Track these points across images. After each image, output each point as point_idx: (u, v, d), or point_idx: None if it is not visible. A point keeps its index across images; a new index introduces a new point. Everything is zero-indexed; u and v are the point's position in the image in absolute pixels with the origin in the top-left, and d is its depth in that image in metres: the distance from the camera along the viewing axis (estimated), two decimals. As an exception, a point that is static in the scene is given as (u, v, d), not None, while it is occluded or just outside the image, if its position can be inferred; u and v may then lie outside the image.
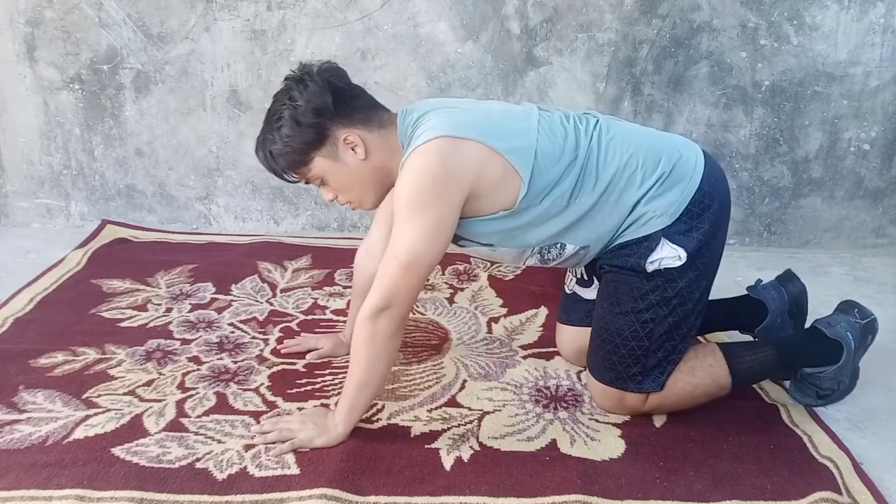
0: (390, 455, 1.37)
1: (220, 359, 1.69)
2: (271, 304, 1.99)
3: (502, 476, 1.33)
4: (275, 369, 1.66)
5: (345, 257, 2.32)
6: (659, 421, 1.52)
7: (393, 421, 1.48)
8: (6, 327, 1.78)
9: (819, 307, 2.16)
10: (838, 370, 1.54)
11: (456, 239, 1.43)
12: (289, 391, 1.57)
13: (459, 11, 2.39)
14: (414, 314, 1.96)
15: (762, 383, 1.68)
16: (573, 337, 1.67)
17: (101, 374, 1.61)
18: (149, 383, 1.58)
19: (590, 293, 1.60)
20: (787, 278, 1.76)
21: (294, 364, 1.68)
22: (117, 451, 1.34)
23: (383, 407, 1.52)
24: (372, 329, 1.31)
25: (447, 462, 1.36)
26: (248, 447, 1.37)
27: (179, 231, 2.55)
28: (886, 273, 2.42)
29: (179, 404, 1.50)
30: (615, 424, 1.50)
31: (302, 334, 1.79)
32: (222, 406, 1.51)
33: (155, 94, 2.45)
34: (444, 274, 2.23)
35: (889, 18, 2.38)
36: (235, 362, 1.68)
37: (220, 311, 1.93)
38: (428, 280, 2.17)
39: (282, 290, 2.08)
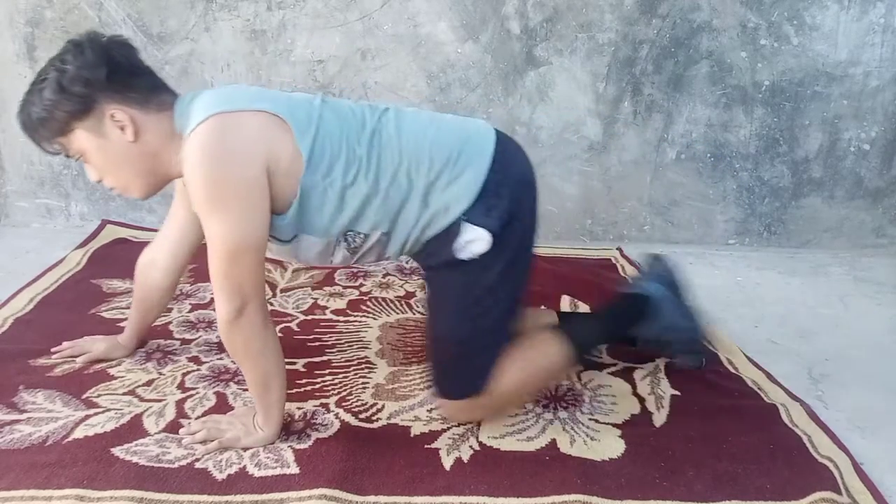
0: (390, 455, 1.37)
1: (220, 359, 1.69)
2: (271, 304, 1.99)
3: (502, 476, 1.33)
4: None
5: (345, 257, 2.32)
6: (659, 421, 1.52)
7: (393, 421, 1.48)
8: (6, 327, 1.78)
9: (819, 307, 2.17)
10: (666, 322, 1.59)
11: None
12: (288, 391, 1.56)
13: (459, 11, 2.39)
14: (414, 314, 1.97)
15: (761, 384, 1.68)
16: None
17: (101, 373, 1.61)
18: (149, 383, 1.58)
19: None
20: (653, 260, 1.75)
21: (294, 364, 1.68)
22: (117, 450, 1.34)
23: (383, 407, 1.52)
24: (239, 333, 1.27)
25: (447, 462, 1.36)
26: (247, 447, 1.37)
27: (179, 231, 2.54)
28: (886, 273, 2.42)
29: (179, 404, 1.50)
30: (615, 425, 1.50)
31: (84, 337, 1.70)
32: (222, 406, 1.51)
33: (155, 94, 2.44)
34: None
35: (889, 18, 2.38)
36: (235, 362, 1.68)
37: None
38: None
39: (281, 290, 2.08)
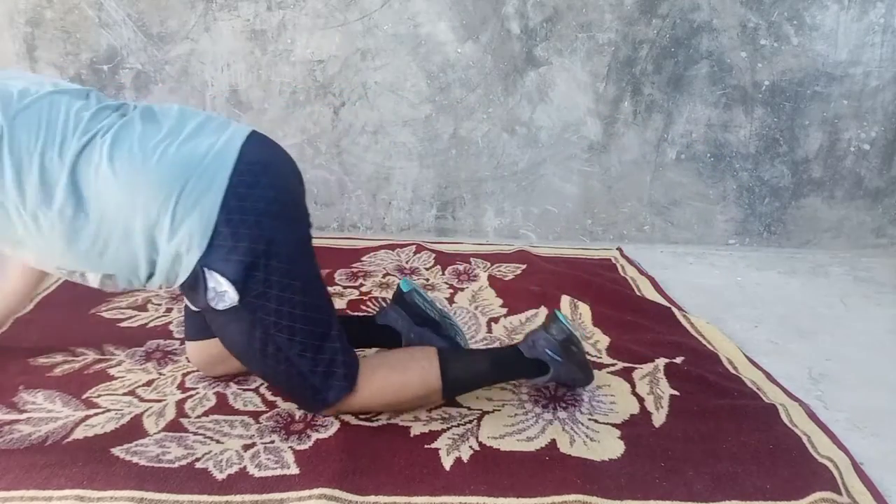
0: (390, 455, 1.37)
1: (220, 359, 1.69)
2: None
3: (502, 476, 1.33)
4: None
5: (345, 257, 2.32)
6: (658, 421, 1.52)
7: (392, 421, 1.48)
8: (6, 327, 1.78)
9: (819, 307, 2.17)
10: (554, 377, 1.54)
11: None
12: (288, 391, 1.57)
13: (459, 11, 2.39)
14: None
15: (760, 384, 1.68)
16: (195, 351, 1.57)
17: (101, 373, 1.61)
18: (149, 383, 1.58)
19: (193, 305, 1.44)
20: (398, 296, 1.68)
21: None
22: (117, 451, 1.34)
23: (383, 407, 1.52)
24: None
25: (447, 462, 1.36)
26: (247, 447, 1.37)
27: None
28: (886, 273, 2.42)
29: (179, 404, 1.50)
30: (614, 425, 1.50)
31: None
32: (222, 406, 1.51)
33: (155, 94, 2.44)
34: (444, 274, 2.23)
35: (889, 18, 2.38)
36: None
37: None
38: (427, 280, 2.17)
39: (282, 290, 2.08)
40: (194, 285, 1.27)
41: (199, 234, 1.23)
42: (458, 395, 1.54)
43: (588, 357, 1.63)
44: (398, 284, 1.70)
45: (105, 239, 1.23)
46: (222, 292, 1.27)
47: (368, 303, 2.02)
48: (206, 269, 1.25)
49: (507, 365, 1.55)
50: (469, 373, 1.51)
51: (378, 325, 1.65)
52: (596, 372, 1.69)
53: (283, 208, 1.31)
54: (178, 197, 1.21)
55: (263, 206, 1.27)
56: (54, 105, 1.23)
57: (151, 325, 1.85)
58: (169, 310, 1.93)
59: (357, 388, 1.41)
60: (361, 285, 2.13)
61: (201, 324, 1.46)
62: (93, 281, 1.29)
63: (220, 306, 1.28)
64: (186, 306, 1.52)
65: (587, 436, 1.46)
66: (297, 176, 1.40)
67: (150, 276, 1.28)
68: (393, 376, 1.44)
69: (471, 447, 1.40)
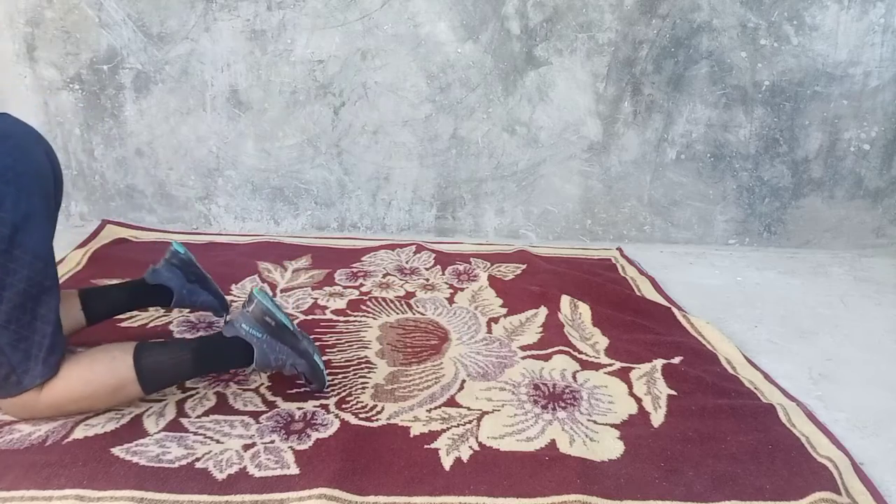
0: (390, 455, 1.37)
1: (220, 359, 1.69)
2: (271, 304, 1.99)
3: (501, 476, 1.33)
4: (274, 369, 1.66)
5: (345, 257, 2.32)
6: (657, 421, 1.52)
7: (392, 421, 1.48)
8: (6, 327, 1.78)
9: (819, 307, 2.17)
10: (261, 357, 1.46)
11: None
12: (288, 391, 1.57)
13: (459, 11, 2.39)
14: (414, 314, 1.97)
15: (757, 384, 1.68)
16: None
17: (101, 374, 1.61)
18: (149, 383, 1.58)
19: None
20: (171, 256, 1.73)
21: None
22: (117, 450, 1.34)
23: (383, 408, 1.52)
24: None
25: (446, 462, 1.36)
26: (247, 447, 1.37)
27: (179, 231, 2.55)
28: (886, 273, 2.42)
29: (179, 404, 1.50)
30: (613, 425, 1.50)
31: None
32: (222, 406, 1.51)
33: (155, 94, 2.45)
34: (444, 274, 2.23)
35: (889, 18, 2.38)
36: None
37: None
38: (428, 280, 2.18)
39: (282, 290, 2.08)
40: None
41: None
42: (161, 386, 1.47)
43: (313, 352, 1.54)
44: (171, 244, 1.76)
45: None
46: None
47: (369, 303, 2.02)
48: None
49: (210, 350, 1.48)
50: (169, 363, 1.43)
51: (150, 284, 1.70)
52: (594, 372, 1.70)
53: (18, 176, 1.29)
54: None
55: None
56: None
57: (151, 325, 1.85)
58: (169, 310, 1.93)
59: (39, 390, 1.35)
60: (361, 285, 2.13)
61: None
62: None
63: None
64: None
65: (587, 436, 1.46)
66: (45, 158, 1.38)
67: None
68: (78, 372, 1.37)
69: (470, 447, 1.40)
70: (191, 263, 1.76)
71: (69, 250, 2.29)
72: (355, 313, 1.96)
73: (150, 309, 1.93)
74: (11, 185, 1.28)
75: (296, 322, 1.90)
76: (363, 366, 1.69)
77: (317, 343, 1.79)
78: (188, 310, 1.88)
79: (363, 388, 1.60)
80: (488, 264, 2.30)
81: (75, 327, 1.61)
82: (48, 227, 1.38)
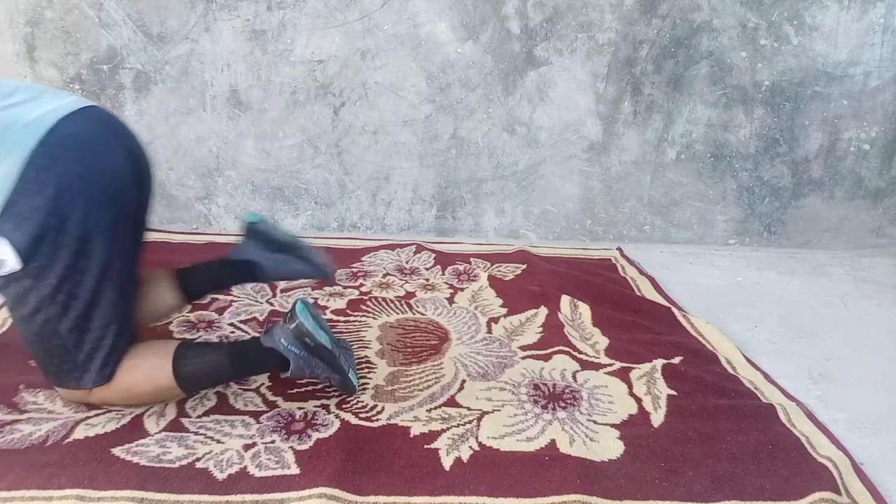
0: (390, 455, 1.37)
1: (221, 359, 1.69)
2: (271, 304, 1.99)
3: (501, 476, 1.33)
4: (275, 369, 1.66)
5: (345, 257, 2.32)
6: (657, 421, 1.52)
7: (392, 421, 1.48)
8: (6, 327, 1.78)
9: (819, 307, 2.17)
10: (297, 371, 1.47)
11: None
12: (289, 391, 1.57)
13: (459, 11, 2.39)
14: (414, 314, 1.97)
15: (758, 384, 1.68)
16: None
17: (102, 374, 1.61)
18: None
19: None
20: (248, 230, 1.68)
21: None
22: (117, 451, 1.34)
23: (383, 408, 1.52)
24: None
25: (446, 462, 1.36)
26: (247, 447, 1.37)
27: (179, 231, 2.55)
28: (886, 273, 2.42)
29: (180, 404, 1.50)
30: (613, 425, 1.50)
31: None
32: (223, 406, 1.51)
33: (155, 94, 2.45)
34: (444, 274, 2.23)
35: (889, 18, 2.38)
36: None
37: (220, 311, 1.93)
38: (428, 280, 2.18)
39: (282, 291, 2.08)
40: None
41: None
42: (199, 389, 1.51)
43: (345, 362, 1.54)
44: (245, 217, 1.70)
45: None
46: (3, 258, 1.26)
47: (369, 303, 2.02)
48: None
49: (245, 356, 1.50)
50: (205, 369, 1.45)
51: (236, 261, 1.67)
52: (593, 372, 1.70)
53: (88, 187, 1.29)
54: None
55: (65, 182, 1.26)
56: None
57: (151, 325, 1.84)
58: (169, 310, 1.93)
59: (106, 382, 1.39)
60: (361, 285, 2.13)
61: None
62: None
63: (1, 272, 1.27)
64: None
65: (587, 436, 1.46)
66: (124, 159, 1.37)
67: None
68: (122, 376, 1.40)
69: (470, 447, 1.40)
70: (267, 232, 1.66)
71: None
72: (355, 313, 1.96)
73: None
74: (81, 198, 1.28)
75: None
76: (363, 366, 1.69)
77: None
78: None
79: (364, 388, 1.60)
80: (488, 264, 2.31)
81: (172, 308, 1.63)
82: (123, 234, 1.38)
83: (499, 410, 1.53)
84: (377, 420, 1.48)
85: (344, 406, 1.52)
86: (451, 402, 1.55)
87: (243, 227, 1.69)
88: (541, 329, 1.90)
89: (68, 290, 1.31)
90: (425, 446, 1.40)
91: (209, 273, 1.66)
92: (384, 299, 2.05)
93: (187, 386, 1.46)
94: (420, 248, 2.41)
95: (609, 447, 1.43)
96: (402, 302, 2.04)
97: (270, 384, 1.60)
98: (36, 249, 1.26)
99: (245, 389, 1.57)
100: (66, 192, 1.26)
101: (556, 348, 1.80)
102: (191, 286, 1.63)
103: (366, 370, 1.67)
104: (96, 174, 1.31)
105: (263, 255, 1.65)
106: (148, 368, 1.42)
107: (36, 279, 1.29)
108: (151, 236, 2.44)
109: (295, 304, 1.50)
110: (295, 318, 1.47)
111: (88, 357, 1.37)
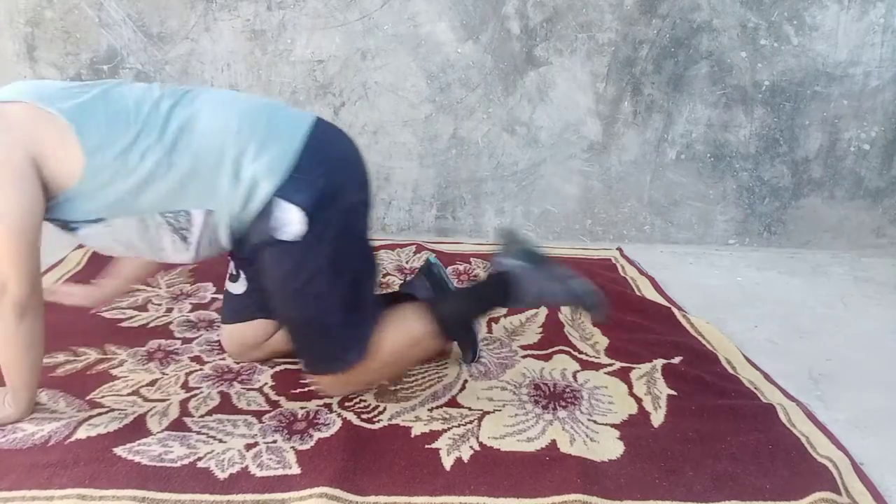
0: (390, 455, 1.37)
1: (223, 358, 1.70)
2: (272, 304, 1.99)
3: (502, 476, 1.33)
4: (278, 369, 1.66)
5: (345, 257, 2.32)
6: (657, 421, 1.52)
7: (394, 421, 1.48)
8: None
9: (819, 307, 2.17)
10: (533, 290, 1.53)
11: (66, 226, 1.36)
12: (292, 391, 1.57)
13: (459, 11, 2.39)
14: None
15: (758, 384, 1.68)
16: (231, 335, 1.65)
17: (104, 374, 1.61)
18: (152, 383, 1.58)
19: (237, 287, 1.59)
20: (426, 269, 1.74)
21: (297, 364, 1.68)
22: (119, 450, 1.34)
23: (385, 408, 1.52)
24: None
25: (447, 462, 1.36)
26: (249, 447, 1.38)
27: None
28: (886, 273, 2.42)
29: (183, 404, 1.50)
30: (613, 425, 1.50)
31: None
32: (226, 405, 1.51)
33: (155, 94, 2.45)
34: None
35: (889, 18, 2.39)
36: (238, 362, 1.68)
37: (220, 311, 1.93)
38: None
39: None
40: (262, 215, 1.32)
41: (280, 161, 1.31)
42: (452, 333, 1.59)
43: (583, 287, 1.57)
44: (427, 258, 1.76)
45: (199, 168, 1.30)
46: (288, 222, 1.32)
47: (369, 303, 2.02)
48: (278, 199, 1.31)
49: (484, 290, 1.59)
50: (453, 308, 1.54)
51: (401, 294, 1.71)
52: (593, 372, 1.70)
53: (352, 167, 1.44)
54: (266, 125, 1.34)
55: (340, 156, 1.42)
56: (120, 88, 1.36)
57: (152, 325, 1.85)
58: (169, 310, 1.94)
59: (367, 356, 1.43)
60: (362, 285, 2.13)
61: (239, 306, 1.60)
62: (197, 221, 1.34)
63: (282, 236, 1.33)
64: (226, 290, 1.63)
65: (587, 435, 1.46)
66: (356, 153, 1.48)
67: (228, 212, 1.33)
68: (390, 336, 1.44)
69: (471, 447, 1.41)
70: (440, 279, 1.72)
71: (69, 250, 2.29)
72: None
73: (150, 308, 1.94)
74: (349, 173, 1.43)
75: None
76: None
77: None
78: None
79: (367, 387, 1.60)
80: (488, 264, 2.31)
81: None
82: (367, 215, 1.49)
83: (500, 410, 1.53)
84: (378, 420, 1.48)
85: (346, 405, 1.52)
86: (453, 403, 1.55)
87: (422, 267, 1.75)
88: (541, 329, 1.90)
89: (337, 262, 1.37)
90: (426, 446, 1.40)
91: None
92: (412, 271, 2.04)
93: (446, 327, 1.50)
94: (420, 248, 2.41)
95: (609, 447, 1.43)
96: (403, 302, 2.04)
97: (274, 384, 1.60)
98: (318, 214, 1.33)
99: (248, 389, 1.57)
100: (342, 164, 1.41)
101: (557, 348, 1.80)
102: None
103: (367, 370, 1.67)
104: (354, 157, 1.45)
105: (429, 296, 1.68)
106: (402, 331, 1.46)
107: (310, 250, 1.34)
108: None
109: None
110: (515, 237, 1.61)
111: (352, 333, 1.41)
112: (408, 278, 1.77)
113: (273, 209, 1.32)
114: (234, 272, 1.60)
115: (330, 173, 1.36)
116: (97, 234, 1.35)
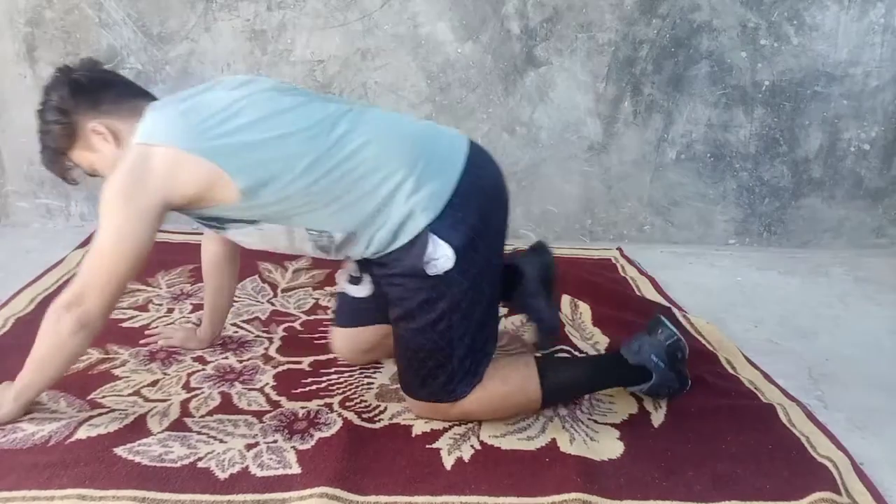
0: (391, 454, 1.37)
1: (226, 358, 1.70)
2: (272, 304, 1.99)
3: (503, 475, 1.33)
4: (280, 369, 1.67)
5: (345, 257, 2.32)
6: (657, 421, 1.53)
7: (395, 421, 1.48)
8: (7, 327, 1.79)
9: (819, 307, 2.17)
10: (654, 387, 1.54)
11: (221, 223, 1.40)
12: (293, 391, 1.57)
13: (459, 11, 2.39)
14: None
15: (758, 384, 1.68)
16: (346, 338, 1.65)
17: (106, 374, 1.61)
18: (154, 383, 1.58)
19: (360, 291, 1.57)
20: (538, 248, 1.71)
21: (299, 363, 1.68)
22: (119, 450, 1.34)
23: (386, 408, 1.52)
24: (56, 322, 1.31)
25: (448, 461, 1.36)
26: (249, 447, 1.38)
27: (179, 231, 2.54)
28: (886, 273, 2.42)
29: (184, 404, 1.50)
30: (613, 425, 1.50)
31: (167, 326, 1.83)
32: (227, 406, 1.51)
33: (155, 94, 2.43)
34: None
35: (889, 18, 2.39)
36: (241, 361, 1.68)
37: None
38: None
39: (282, 291, 2.08)
40: (411, 247, 1.33)
41: (437, 198, 1.33)
42: (558, 402, 1.52)
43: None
44: (538, 241, 1.73)
45: (357, 196, 1.33)
46: (437, 259, 1.33)
47: (369, 303, 2.02)
48: (430, 234, 1.33)
49: (606, 371, 1.56)
50: (568, 381, 1.51)
51: (507, 264, 1.66)
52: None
53: (500, 195, 1.45)
54: (425, 161, 1.34)
55: (490, 191, 1.42)
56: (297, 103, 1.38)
57: (153, 325, 1.85)
58: (170, 310, 1.94)
59: (462, 398, 1.43)
60: (362, 285, 2.13)
61: (360, 310, 1.58)
62: (338, 240, 1.37)
63: (431, 272, 1.34)
64: (343, 293, 1.61)
65: (587, 435, 1.46)
66: (502, 178, 1.49)
67: (374, 237, 1.36)
68: (495, 386, 1.44)
69: (472, 446, 1.41)
70: (548, 260, 1.68)
71: (69, 250, 2.29)
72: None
73: (151, 308, 1.94)
74: (497, 207, 1.45)
75: (299, 322, 1.91)
76: (369, 365, 1.69)
77: (321, 342, 1.79)
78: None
79: (368, 387, 1.60)
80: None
81: None
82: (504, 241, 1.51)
83: (500, 410, 1.53)
84: (379, 420, 1.48)
85: (347, 405, 1.53)
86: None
87: (535, 244, 1.72)
88: (541, 329, 1.90)
89: (472, 298, 1.38)
90: (427, 446, 1.41)
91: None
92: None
93: (550, 399, 1.49)
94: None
95: (609, 447, 1.43)
96: (403, 302, 2.04)
97: (275, 384, 1.60)
98: (467, 251, 1.34)
99: (250, 389, 1.57)
100: (491, 200, 1.41)
101: (558, 347, 1.80)
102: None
103: (371, 370, 1.67)
104: (501, 183, 1.46)
105: (533, 275, 1.65)
106: (519, 379, 1.45)
107: (449, 286, 1.35)
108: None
109: (660, 317, 1.56)
110: (671, 335, 1.52)
111: (467, 368, 1.41)
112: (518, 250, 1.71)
113: (424, 242, 1.33)
114: (357, 275, 1.56)
115: (482, 208, 1.38)
116: (245, 233, 1.41)
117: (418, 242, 1.33)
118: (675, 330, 1.54)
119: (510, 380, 1.45)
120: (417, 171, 1.33)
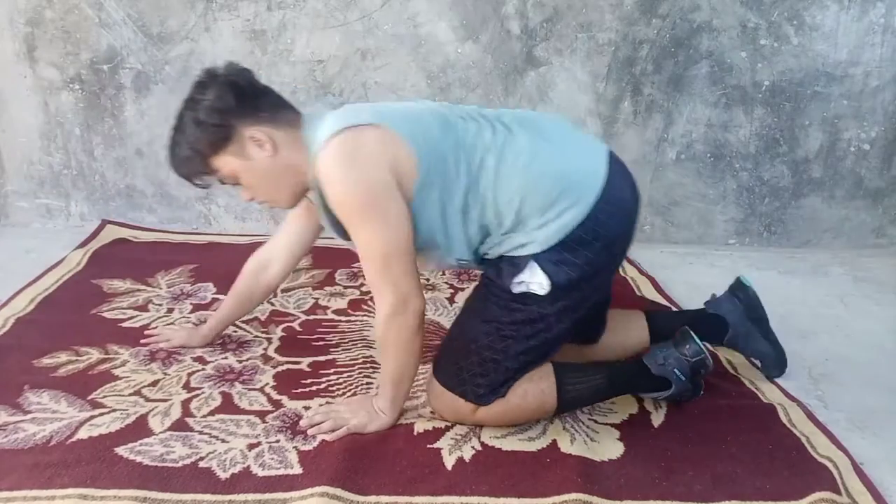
0: (392, 454, 1.38)
1: (225, 358, 1.70)
2: (272, 304, 1.99)
3: (503, 476, 1.33)
4: (280, 369, 1.67)
5: (345, 257, 2.32)
6: (657, 421, 1.53)
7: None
8: (7, 327, 1.79)
9: (819, 307, 2.17)
10: (670, 396, 1.54)
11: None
12: (294, 390, 1.58)
13: (459, 11, 2.39)
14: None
15: (758, 383, 1.69)
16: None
17: (106, 374, 1.61)
18: (154, 383, 1.58)
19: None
20: (737, 287, 1.72)
21: (299, 363, 1.69)
22: (121, 450, 1.35)
23: (385, 407, 1.52)
24: (394, 328, 1.35)
25: (449, 462, 1.37)
26: (251, 446, 1.38)
27: (180, 231, 2.55)
28: (886, 273, 2.42)
29: (185, 404, 1.51)
30: (614, 425, 1.50)
31: (168, 326, 1.83)
32: (228, 406, 1.51)
33: (155, 94, 2.45)
34: (444, 274, 2.23)
35: (889, 18, 2.39)
36: (240, 361, 1.69)
37: None
38: (427, 279, 2.18)
39: (282, 291, 2.08)
40: (508, 265, 1.36)
41: (556, 234, 1.33)
42: (573, 409, 1.52)
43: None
44: (738, 277, 1.73)
45: (489, 224, 1.37)
46: (530, 283, 1.35)
47: (369, 301, 2.02)
48: (532, 261, 1.34)
49: (626, 380, 1.55)
50: (586, 392, 1.50)
51: (710, 315, 1.69)
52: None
53: (619, 248, 1.44)
54: (550, 204, 1.33)
55: (610, 241, 1.38)
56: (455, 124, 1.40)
57: (153, 325, 1.85)
58: (170, 310, 1.94)
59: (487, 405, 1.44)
60: (362, 285, 2.13)
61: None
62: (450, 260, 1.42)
63: (515, 290, 1.36)
64: None
65: (587, 435, 1.46)
66: (636, 214, 1.46)
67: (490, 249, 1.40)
68: (514, 400, 1.43)
69: (473, 447, 1.41)
70: (755, 302, 1.70)
71: (69, 250, 2.29)
72: (356, 313, 1.96)
73: (151, 309, 1.94)
74: (612, 255, 1.43)
75: (298, 322, 1.91)
76: (368, 365, 1.69)
77: (320, 342, 1.80)
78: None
79: (368, 387, 1.60)
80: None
81: (638, 346, 1.66)
82: (615, 271, 1.53)
83: (500, 410, 1.53)
84: (379, 420, 1.48)
85: (346, 406, 1.53)
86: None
87: (734, 284, 1.72)
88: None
89: (548, 325, 1.38)
90: (428, 446, 1.41)
91: (679, 320, 1.66)
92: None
93: (567, 407, 1.49)
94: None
95: (609, 447, 1.43)
96: (403, 302, 2.04)
97: (275, 384, 1.60)
98: (563, 289, 1.35)
99: (250, 389, 1.57)
100: (607, 249, 1.38)
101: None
102: (659, 329, 1.66)
103: (370, 370, 1.67)
104: (626, 238, 1.44)
105: (740, 319, 1.67)
106: (537, 392, 1.44)
107: (531, 306, 1.37)
108: (151, 236, 2.45)
109: (688, 331, 1.52)
110: (699, 352, 1.49)
111: (508, 378, 1.41)
112: (714, 297, 1.73)
113: (523, 265, 1.35)
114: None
115: (597, 254, 1.36)
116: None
117: (519, 263, 1.35)
118: (702, 346, 1.50)
119: (529, 396, 1.44)
120: (548, 213, 1.34)
